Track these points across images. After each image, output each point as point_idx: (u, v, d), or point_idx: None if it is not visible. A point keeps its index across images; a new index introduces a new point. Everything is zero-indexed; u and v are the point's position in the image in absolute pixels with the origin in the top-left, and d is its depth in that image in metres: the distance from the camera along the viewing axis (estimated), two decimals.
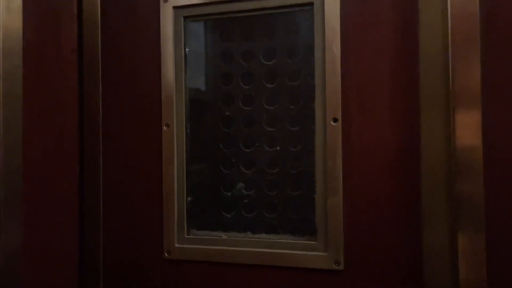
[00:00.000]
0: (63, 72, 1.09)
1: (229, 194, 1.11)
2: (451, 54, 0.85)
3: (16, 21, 0.95)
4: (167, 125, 1.10)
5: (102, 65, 1.15)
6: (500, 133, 0.85)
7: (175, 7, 1.09)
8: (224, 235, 1.08)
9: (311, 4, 1.00)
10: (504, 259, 0.86)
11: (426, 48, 0.89)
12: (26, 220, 0.95)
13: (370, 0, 0.95)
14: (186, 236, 1.10)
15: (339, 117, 0.97)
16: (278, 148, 1.07)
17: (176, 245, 1.09)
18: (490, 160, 0.85)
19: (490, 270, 0.84)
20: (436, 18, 0.87)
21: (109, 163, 1.16)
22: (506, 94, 0.85)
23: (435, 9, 0.87)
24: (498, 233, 0.85)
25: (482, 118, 0.84)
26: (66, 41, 1.10)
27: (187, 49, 1.11)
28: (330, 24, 0.97)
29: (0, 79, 0.90)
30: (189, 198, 1.11)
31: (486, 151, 0.84)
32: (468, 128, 0.84)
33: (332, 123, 0.97)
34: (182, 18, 1.10)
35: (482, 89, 0.83)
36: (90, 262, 1.15)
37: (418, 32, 0.90)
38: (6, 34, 0.92)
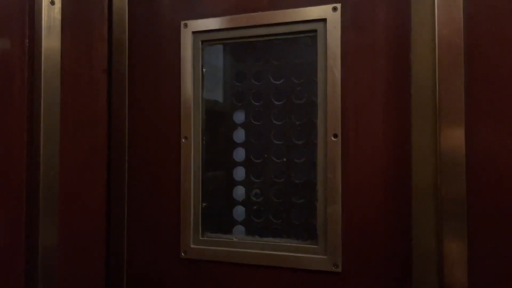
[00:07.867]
0: (95, 90, 1.17)
1: (240, 201, 1.19)
2: (438, 78, 0.92)
3: (55, 45, 1.03)
4: (185, 138, 1.17)
5: (129, 83, 1.23)
6: (480, 145, 0.92)
7: (194, 32, 1.17)
8: (234, 238, 1.15)
9: (315, 31, 1.07)
10: (485, 262, 0.92)
11: (417, 72, 0.96)
12: (60, 219, 1.03)
13: (367, 30, 1.02)
14: (200, 238, 1.17)
15: (339, 133, 1.03)
16: (284, 159, 1.15)
17: (192, 246, 1.16)
18: (472, 168, 0.91)
19: (471, 272, 0.90)
20: (426, 47, 0.94)
21: (134, 171, 1.23)
22: (485, 112, 0.92)
23: (425, 39, 0.95)
24: (478, 236, 0.91)
25: (465, 132, 0.91)
26: (97, 63, 1.18)
27: (204, 70, 1.18)
28: (331, 49, 1.04)
29: (42, 96, 0.99)
30: (204, 204, 1.18)
31: (468, 161, 0.91)
32: (452, 141, 0.91)
33: (332, 138, 1.04)
34: (200, 42, 1.18)
35: (465, 107, 0.91)
36: (115, 259, 1.23)
37: (410, 58, 0.97)
38: (46, 57, 1.01)
